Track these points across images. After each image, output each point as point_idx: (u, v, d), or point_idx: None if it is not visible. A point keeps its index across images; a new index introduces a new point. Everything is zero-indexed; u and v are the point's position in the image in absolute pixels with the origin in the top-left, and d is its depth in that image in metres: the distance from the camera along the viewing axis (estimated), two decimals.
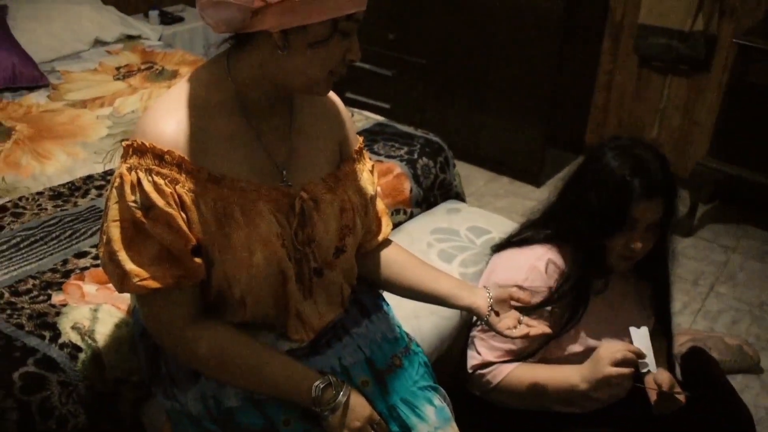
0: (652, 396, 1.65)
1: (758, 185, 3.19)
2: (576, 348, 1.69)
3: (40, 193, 2.12)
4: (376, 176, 1.51)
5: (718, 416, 1.81)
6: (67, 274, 1.73)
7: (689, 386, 1.75)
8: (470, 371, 1.72)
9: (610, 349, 1.53)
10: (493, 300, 1.45)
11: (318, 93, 1.27)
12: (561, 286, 1.64)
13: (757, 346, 2.66)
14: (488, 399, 1.75)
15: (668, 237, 1.70)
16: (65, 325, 1.55)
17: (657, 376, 1.65)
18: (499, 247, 1.82)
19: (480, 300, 1.47)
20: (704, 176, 3.29)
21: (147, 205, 1.16)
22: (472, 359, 1.72)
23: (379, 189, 1.54)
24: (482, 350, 1.70)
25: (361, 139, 1.50)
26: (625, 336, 1.71)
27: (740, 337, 2.63)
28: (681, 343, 2.49)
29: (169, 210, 1.16)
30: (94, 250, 1.82)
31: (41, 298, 1.64)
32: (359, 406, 1.32)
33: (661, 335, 1.86)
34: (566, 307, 1.64)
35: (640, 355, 1.54)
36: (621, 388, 1.68)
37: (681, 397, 1.64)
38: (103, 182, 2.20)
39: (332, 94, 1.44)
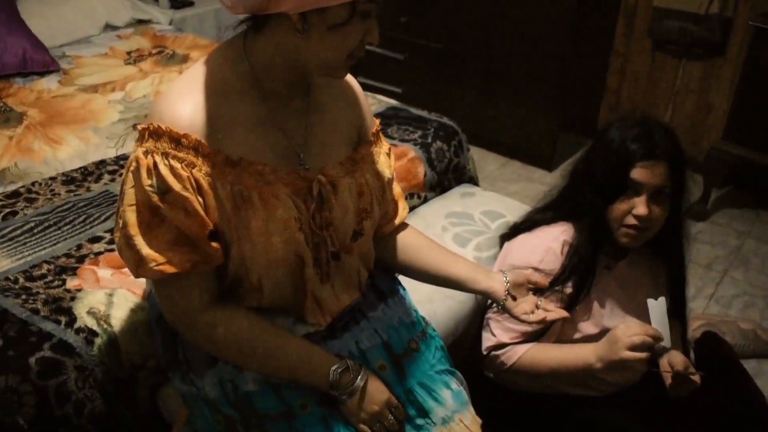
0: (667, 379, 1.64)
1: None
2: (591, 330, 1.69)
3: (53, 178, 2.11)
4: (393, 159, 1.50)
5: (732, 401, 1.82)
6: (81, 259, 1.73)
7: (703, 371, 1.74)
8: (485, 353, 1.72)
9: (627, 332, 1.52)
10: (510, 284, 1.44)
11: (336, 76, 1.25)
12: (570, 261, 1.64)
13: None
14: (502, 381, 1.75)
15: (681, 216, 1.69)
16: (81, 309, 1.55)
17: (671, 358, 1.65)
18: (509, 234, 1.82)
19: (497, 284, 1.46)
20: (718, 160, 3.27)
21: (163, 189, 1.15)
22: (487, 341, 1.72)
23: (394, 173, 1.53)
24: (497, 332, 1.70)
25: (377, 121, 1.49)
26: (639, 317, 1.71)
27: (754, 321, 2.62)
28: (695, 328, 2.48)
29: (186, 194, 1.15)
30: (108, 235, 1.82)
31: (56, 283, 1.64)
32: (377, 391, 1.32)
33: (676, 319, 1.85)
34: (575, 282, 1.64)
35: (658, 338, 1.53)
36: (635, 371, 1.67)
37: (696, 378, 1.63)
38: (115, 167, 2.19)
39: (350, 77, 1.42)
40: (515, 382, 1.74)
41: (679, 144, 1.60)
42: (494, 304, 1.64)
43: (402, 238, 1.54)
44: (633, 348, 1.50)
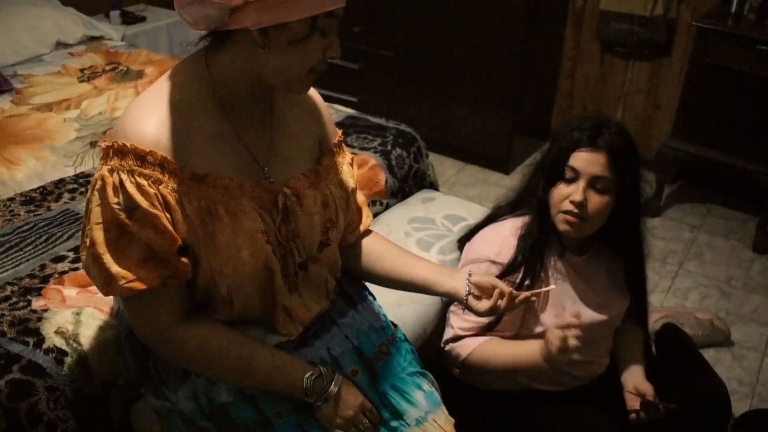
0: (630, 401, 1.71)
1: (721, 164, 3.27)
2: (551, 321, 1.71)
3: (11, 199, 2.09)
4: (356, 168, 1.52)
5: (692, 389, 1.87)
6: (45, 279, 1.72)
7: (664, 361, 1.78)
8: (443, 345, 1.75)
9: (551, 338, 1.52)
10: (472, 284, 1.44)
11: (297, 92, 1.27)
12: (520, 247, 1.68)
13: (727, 320, 2.73)
14: (467, 378, 1.78)
15: (639, 214, 1.73)
16: (48, 330, 1.54)
17: (639, 386, 1.71)
18: (467, 236, 1.86)
19: (459, 284, 1.46)
20: (669, 157, 3.36)
21: (131, 207, 1.15)
22: (446, 333, 1.76)
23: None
24: (455, 323, 1.73)
25: (340, 132, 1.50)
26: (601, 313, 1.75)
27: (710, 312, 2.70)
28: (654, 321, 2.54)
29: (154, 211, 1.16)
30: (71, 254, 1.81)
31: (21, 304, 1.63)
32: (351, 395, 1.33)
33: (635, 320, 1.90)
34: (525, 269, 1.68)
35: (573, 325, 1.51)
36: (599, 364, 1.71)
37: (663, 409, 1.69)
38: (75, 185, 2.17)
39: (312, 90, 1.44)
40: (478, 378, 1.77)
41: (627, 139, 1.64)
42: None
43: (366, 244, 1.56)
44: (561, 349, 1.49)
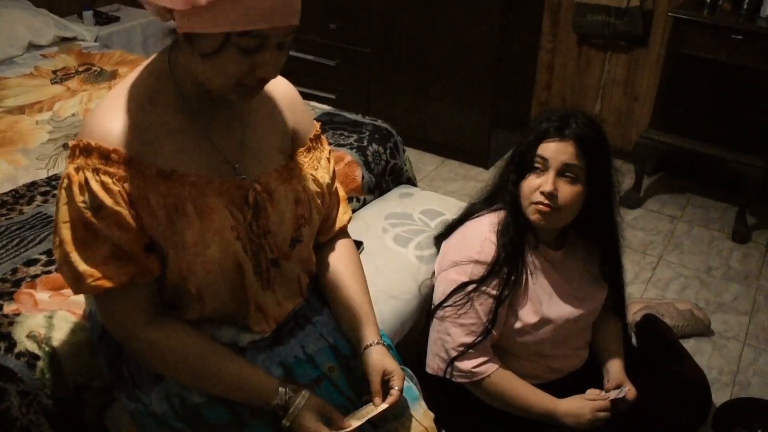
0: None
1: (699, 154, 3.28)
2: (531, 318, 1.72)
3: None
4: (333, 163, 1.50)
5: (673, 379, 1.88)
6: (17, 283, 1.69)
7: (646, 353, 1.79)
8: (447, 368, 1.74)
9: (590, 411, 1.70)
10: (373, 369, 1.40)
11: (234, 101, 1.21)
12: (503, 244, 1.68)
13: (707, 310, 2.74)
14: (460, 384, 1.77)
15: (613, 205, 1.73)
16: (20, 334, 1.51)
17: (620, 383, 1.77)
18: (444, 234, 1.86)
19: (374, 356, 1.41)
20: (647, 148, 3.37)
21: (96, 205, 1.15)
22: (444, 354, 1.74)
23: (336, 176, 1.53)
24: (453, 343, 1.72)
25: (317, 125, 1.48)
26: (578, 307, 1.75)
27: (690, 302, 2.71)
28: (634, 312, 2.55)
29: (119, 209, 1.15)
30: (44, 257, 1.78)
31: None
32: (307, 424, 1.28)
33: (613, 311, 1.90)
34: (507, 265, 1.68)
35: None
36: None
37: (630, 393, 1.74)
38: (48, 188, 2.14)
39: (285, 84, 1.43)
40: (470, 390, 1.76)
41: (595, 127, 1.64)
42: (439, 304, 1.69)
43: (331, 261, 1.51)
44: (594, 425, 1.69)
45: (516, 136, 4.05)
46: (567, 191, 1.61)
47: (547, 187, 1.60)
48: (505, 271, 1.67)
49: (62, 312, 1.58)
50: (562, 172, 1.60)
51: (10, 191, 2.13)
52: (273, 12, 1.08)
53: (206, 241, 1.22)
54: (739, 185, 3.27)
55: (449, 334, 1.71)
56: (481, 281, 1.67)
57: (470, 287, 1.68)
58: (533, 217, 1.64)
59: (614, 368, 1.81)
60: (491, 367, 1.70)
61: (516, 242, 1.68)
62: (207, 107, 1.26)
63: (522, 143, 1.67)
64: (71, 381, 1.50)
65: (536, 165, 1.62)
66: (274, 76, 1.18)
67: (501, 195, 1.74)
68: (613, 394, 1.73)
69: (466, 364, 1.70)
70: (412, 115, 3.94)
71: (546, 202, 1.61)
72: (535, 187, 1.62)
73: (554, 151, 1.60)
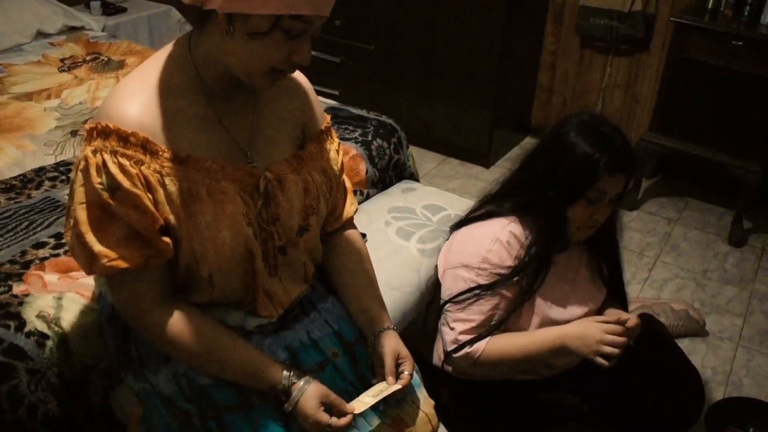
0: None
1: (698, 158, 3.31)
2: (535, 319, 1.75)
3: None
4: (342, 155, 1.53)
5: (668, 378, 1.90)
6: (26, 265, 1.72)
7: (641, 351, 1.82)
8: (444, 358, 1.76)
9: (600, 333, 1.67)
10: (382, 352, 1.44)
11: (259, 86, 1.24)
12: (528, 253, 1.69)
13: (702, 310, 2.77)
14: (466, 376, 1.79)
15: (617, 210, 1.77)
16: (30, 314, 1.54)
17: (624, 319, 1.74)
18: (459, 224, 1.87)
19: (388, 342, 1.45)
20: (647, 151, 3.40)
21: (113, 187, 1.17)
22: (444, 347, 1.76)
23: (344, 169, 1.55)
24: (453, 334, 1.74)
25: (328, 117, 1.51)
26: (580, 307, 1.78)
27: (686, 302, 2.74)
28: (631, 311, 2.57)
29: (136, 191, 1.17)
30: (52, 240, 1.81)
31: (2, 289, 1.62)
32: (307, 409, 1.30)
33: (617, 302, 1.93)
34: (530, 274, 1.70)
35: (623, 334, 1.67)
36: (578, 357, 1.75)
37: (633, 322, 1.73)
38: (56, 173, 2.17)
39: (298, 74, 1.45)
40: (474, 374, 1.79)
41: (632, 150, 1.67)
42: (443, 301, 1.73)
43: (340, 256, 1.55)
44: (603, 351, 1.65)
45: (517, 136, 4.11)
46: (609, 211, 1.69)
47: (603, 219, 1.67)
48: (528, 275, 1.70)
49: (71, 294, 1.61)
50: (611, 200, 1.66)
51: (19, 176, 2.15)
52: (318, 0, 1.14)
53: (219, 225, 1.24)
54: (736, 189, 3.30)
55: (453, 329, 1.74)
56: (497, 284, 1.69)
57: (484, 287, 1.71)
58: (578, 236, 1.71)
59: (610, 311, 1.84)
60: (483, 343, 1.72)
61: (547, 257, 1.71)
62: (223, 94, 1.28)
63: (572, 171, 1.62)
64: (78, 361, 1.53)
65: (592, 196, 1.62)
66: (307, 63, 1.20)
67: (530, 208, 1.72)
68: (623, 316, 1.72)
69: (461, 352, 1.73)
70: (415, 112, 3.97)
71: (596, 226, 1.68)
72: (588, 215, 1.65)
73: (613, 185, 1.63)
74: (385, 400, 1.38)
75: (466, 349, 1.72)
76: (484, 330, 1.71)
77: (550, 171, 1.66)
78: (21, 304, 1.57)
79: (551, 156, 1.68)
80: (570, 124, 1.67)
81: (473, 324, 1.71)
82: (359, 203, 2.26)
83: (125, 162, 1.17)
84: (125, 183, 1.17)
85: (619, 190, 1.64)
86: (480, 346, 1.71)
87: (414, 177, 2.60)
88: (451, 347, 1.74)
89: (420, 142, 3.97)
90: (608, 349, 1.64)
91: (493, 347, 1.71)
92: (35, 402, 1.44)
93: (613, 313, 1.78)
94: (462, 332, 1.72)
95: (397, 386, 1.37)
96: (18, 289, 1.63)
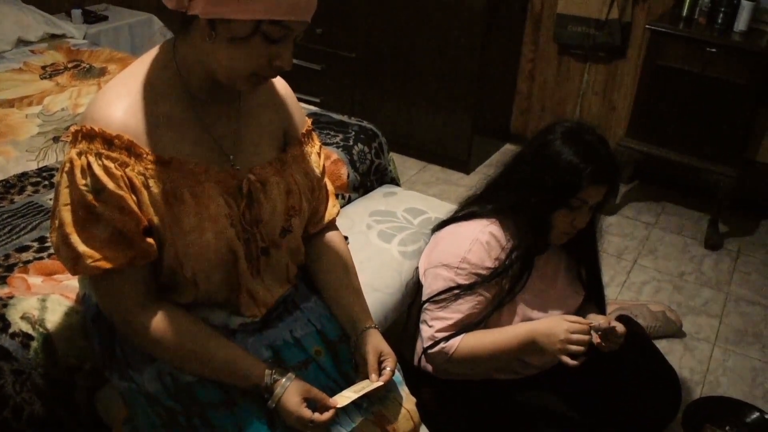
0: (596, 339, 1.74)
1: (674, 163, 3.37)
2: (516, 320, 1.78)
3: None
4: (323, 158, 1.55)
5: (646, 378, 1.93)
6: (10, 268, 1.72)
7: (618, 351, 1.85)
8: (427, 344, 1.78)
9: (563, 329, 1.68)
10: (364, 353, 1.46)
11: (240, 88, 1.26)
12: (510, 256, 1.72)
13: (679, 312, 2.82)
14: (448, 375, 1.82)
15: (597, 216, 1.81)
16: (14, 315, 1.54)
17: (594, 322, 1.76)
18: (441, 225, 1.90)
19: (371, 341, 1.48)
20: (624, 157, 3.44)
21: (98, 188, 1.19)
22: (423, 343, 1.79)
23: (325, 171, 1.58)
24: (431, 331, 1.77)
25: (309, 121, 1.54)
26: (558, 308, 1.81)
27: (663, 304, 2.78)
28: (609, 313, 2.60)
29: (120, 192, 1.19)
30: (36, 244, 1.82)
31: None
32: (289, 406, 1.31)
33: (595, 306, 1.96)
34: (512, 277, 1.73)
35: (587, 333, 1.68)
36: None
37: (620, 329, 1.74)
38: (38, 179, 2.18)
39: (279, 80, 1.48)
40: (457, 372, 1.81)
41: (616, 160, 1.71)
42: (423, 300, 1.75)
43: (325, 259, 1.57)
44: (568, 349, 1.66)
45: (497, 142, 4.14)
46: (589, 217, 1.73)
47: (583, 225, 1.71)
48: (511, 278, 1.73)
49: (55, 296, 1.61)
50: (593, 207, 1.70)
51: (1, 181, 2.16)
52: (298, 6, 1.16)
53: (202, 227, 1.26)
54: (712, 194, 3.36)
55: (431, 327, 1.77)
56: (477, 284, 1.72)
57: (464, 288, 1.73)
58: (557, 241, 1.76)
59: (596, 317, 1.86)
60: (457, 339, 1.74)
61: (530, 260, 1.75)
62: (207, 97, 1.30)
63: (557, 180, 1.65)
64: (63, 362, 1.54)
65: (574, 204, 1.66)
66: (288, 68, 1.23)
67: (512, 212, 1.75)
68: (596, 321, 1.75)
69: (436, 348, 1.75)
70: (396, 119, 4.00)
71: (574, 232, 1.73)
72: (569, 221, 1.70)
73: (595, 195, 1.67)
74: (367, 397, 1.40)
75: (441, 344, 1.74)
76: (462, 328, 1.74)
77: (535, 177, 1.69)
78: (5, 306, 1.57)
79: (536, 162, 1.71)
80: (555, 132, 1.69)
81: (450, 322, 1.74)
82: (341, 207, 2.29)
83: (110, 164, 1.19)
84: (110, 185, 1.18)
85: (600, 199, 1.68)
86: (454, 342, 1.73)
87: (395, 182, 2.63)
88: (428, 344, 1.77)
89: (401, 149, 4.00)
90: (573, 348, 1.64)
91: (467, 342, 1.73)
92: (20, 403, 1.45)
93: (600, 320, 1.81)
94: (439, 330, 1.75)
95: (380, 383, 1.40)
96: (2, 291, 1.63)
